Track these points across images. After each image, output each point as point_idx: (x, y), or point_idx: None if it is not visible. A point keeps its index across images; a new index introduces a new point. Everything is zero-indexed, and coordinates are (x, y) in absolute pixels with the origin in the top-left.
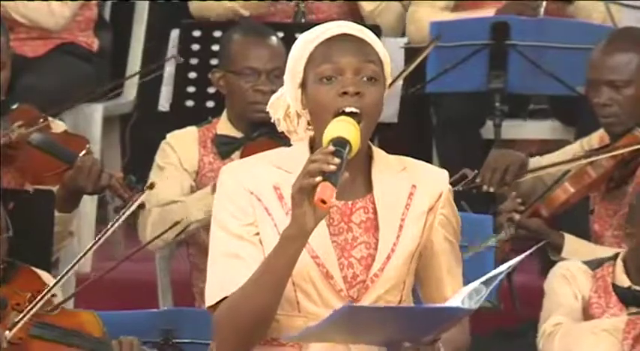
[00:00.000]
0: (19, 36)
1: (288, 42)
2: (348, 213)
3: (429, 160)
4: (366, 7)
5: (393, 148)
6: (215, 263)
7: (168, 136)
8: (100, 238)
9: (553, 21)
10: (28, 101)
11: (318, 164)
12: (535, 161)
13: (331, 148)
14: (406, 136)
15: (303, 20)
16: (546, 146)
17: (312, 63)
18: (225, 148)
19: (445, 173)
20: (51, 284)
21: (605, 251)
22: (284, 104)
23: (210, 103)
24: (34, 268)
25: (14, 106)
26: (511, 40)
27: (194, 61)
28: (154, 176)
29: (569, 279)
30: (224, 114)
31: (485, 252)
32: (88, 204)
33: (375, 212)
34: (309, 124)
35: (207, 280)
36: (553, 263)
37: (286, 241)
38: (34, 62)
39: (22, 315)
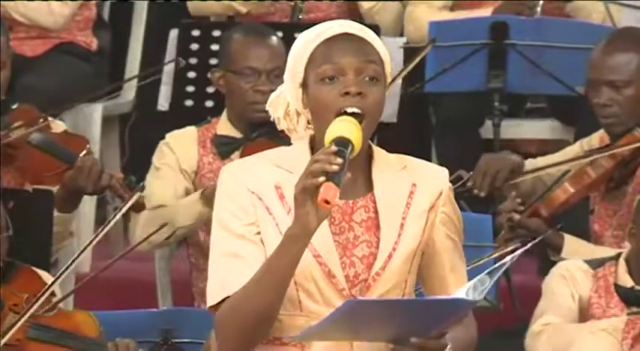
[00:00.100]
0: (18, 35)
1: (288, 41)
2: (349, 212)
3: (428, 160)
4: (364, 4)
5: (391, 147)
6: (216, 263)
7: (168, 136)
8: (93, 240)
9: (552, 21)
10: (28, 101)
11: (321, 164)
12: (532, 163)
13: (333, 148)
14: (405, 135)
15: (300, 16)
16: (546, 146)
17: (314, 63)
18: (224, 149)
19: (445, 171)
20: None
21: (605, 251)
22: (284, 102)
23: (209, 103)
24: (34, 268)
25: (14, 106)
26: (510, 39)
27: (193, 60)
28: (150, 176)
29: (568, 279)
30: (224, 114)
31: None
32: (88, 204)
33: (375, 211)
34: (308, 122)
35: (208, 279)
36: (552, 263)
37: (289, 241)
38: (33, 62)
39: (19, 316)
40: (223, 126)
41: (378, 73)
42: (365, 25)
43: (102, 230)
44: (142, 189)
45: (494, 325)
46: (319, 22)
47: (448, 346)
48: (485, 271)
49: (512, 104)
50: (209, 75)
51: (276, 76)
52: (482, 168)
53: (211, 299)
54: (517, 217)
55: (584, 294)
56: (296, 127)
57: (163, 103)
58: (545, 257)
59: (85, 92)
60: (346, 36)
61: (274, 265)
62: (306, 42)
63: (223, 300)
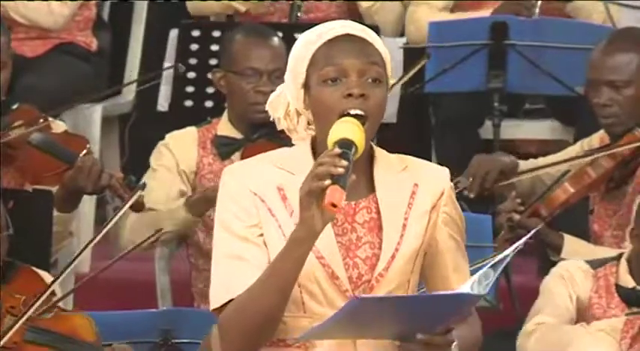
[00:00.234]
0: (17, 36)
1: (288, 42)
2: (352, 213)
3: (428, 160)
4: (363, 3)
5: (392, 148)
6: (219, 265)
7: (167, 136)
8: (93, 240)
9: (552, 21)
10: (28, 101)
11: (326, 167)
12: (534, 163)
13: (337, 150)
14: (405, 136)
15: (299, 15)
16: (546, 146)
17: (315, 65)
18: (225, 149)
19: (446, 171)
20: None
21: (604, 252)
22: (284, 102)
23: (209, 103)
24: (34, 269)
25: (14, 106)
26: (510, 40)
27: (193, 61)
28: (147, 177)
29: (567, 280)
30: (224, 114)
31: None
32: (88, 204)
33: (378, 212)
34: (309, 123)
35: (211, 281)
36: (552, 264)
37: (294, 244)
38: (33, 62)
39: (16, 319)
40: (224, 127)
41: (381, 74)
42: (365, 25)
43: (102, 230)
44: (143, 187)
45: (494, 326)
46: (319, 22)
47: (454, 343)
48: (488, 265)
49: (512, 104)
50: (209, 75)
51: (277, 77)
52: (472, 170)
53: (215, 301)
54: (517, 217)
55: (583, 294)
56: (296, 127)
57: (163, 103)
58: (545, 257)
59: (85, 92)
60: (348, 37)
61: (279, 268)
62: (307, 43)
63: (227, 302)
